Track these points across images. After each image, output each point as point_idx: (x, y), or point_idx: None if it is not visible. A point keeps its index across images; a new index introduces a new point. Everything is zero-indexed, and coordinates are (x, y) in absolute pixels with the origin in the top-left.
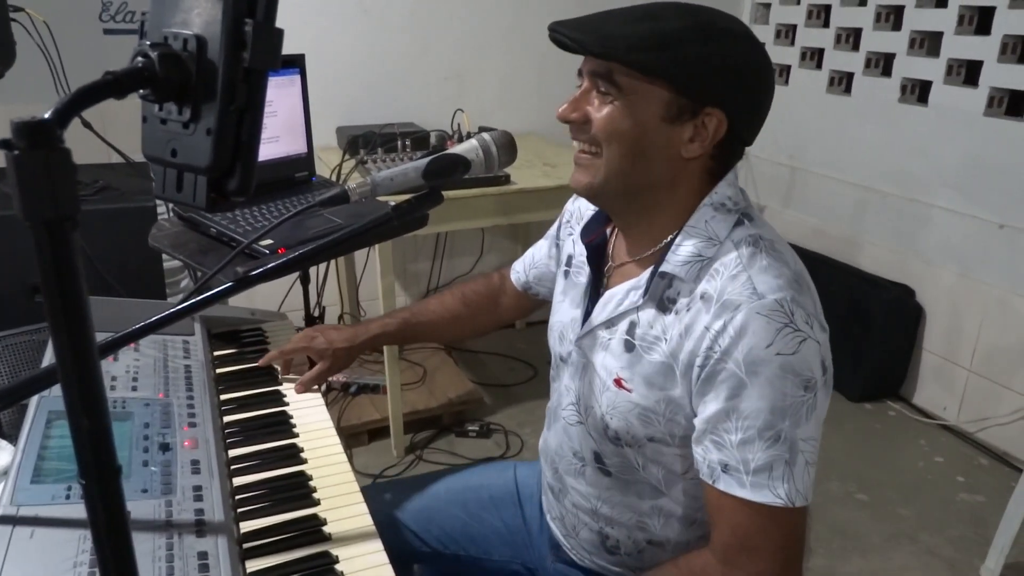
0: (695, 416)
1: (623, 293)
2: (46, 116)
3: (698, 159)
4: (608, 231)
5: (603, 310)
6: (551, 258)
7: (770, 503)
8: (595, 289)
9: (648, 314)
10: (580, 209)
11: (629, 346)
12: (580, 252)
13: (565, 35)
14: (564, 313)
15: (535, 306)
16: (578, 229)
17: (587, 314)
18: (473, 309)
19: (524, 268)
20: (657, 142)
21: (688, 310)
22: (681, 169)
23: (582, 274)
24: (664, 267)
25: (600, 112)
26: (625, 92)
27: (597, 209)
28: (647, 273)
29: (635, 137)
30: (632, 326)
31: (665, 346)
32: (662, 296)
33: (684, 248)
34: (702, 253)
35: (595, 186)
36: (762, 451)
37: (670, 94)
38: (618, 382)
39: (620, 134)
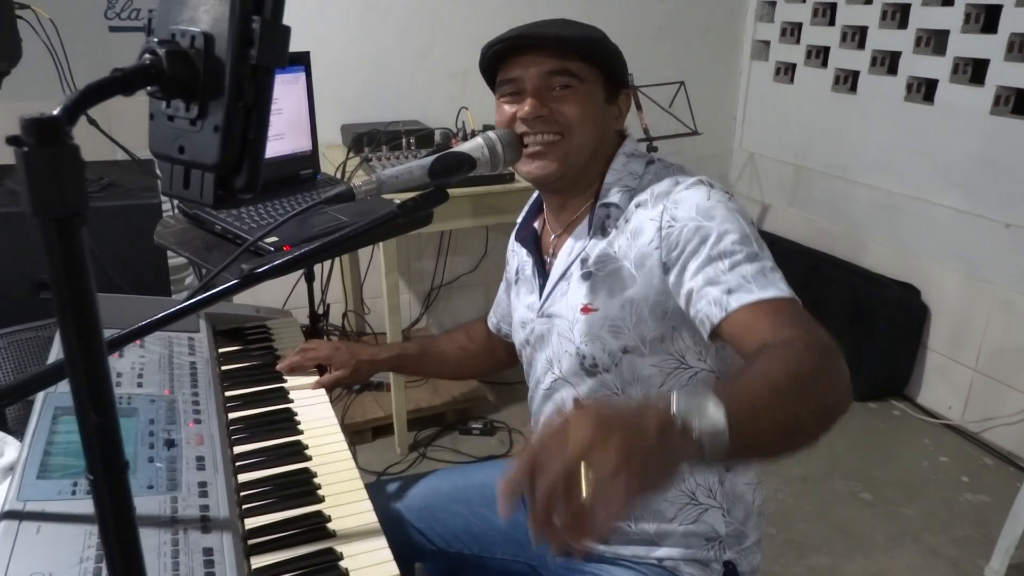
0: (679, 291)
1: (569, 245)
2: (55, 113)
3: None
4: (536, 225)
5: (556, 271)
6: (508, 294)
7: (780, 295)
8: (541, 268)
9: (596, 245)
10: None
11: (587, 275)
12: (522, 253)
13: (540, 36)
14: (520, 306)
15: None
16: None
17: (542, 289)
18: (478, 345)
19: (493, 311)
20: (606, 120)
21: (628, 221)
22: (612, 137)
23: (527, 267)
24: (601, 200)
25: (568, 103)
26: (583, 80)
27: (524, 215)
28: (586, 219)
29: (597, 115)
30: (583, 261)
31: (618, 254)
32: (603, 225)
33: (614, 184)
34: (628, 184)
35: (565, 169)
36: (750, 266)
37: (603, 81)
38: (584, 309)
39: (589, 115)
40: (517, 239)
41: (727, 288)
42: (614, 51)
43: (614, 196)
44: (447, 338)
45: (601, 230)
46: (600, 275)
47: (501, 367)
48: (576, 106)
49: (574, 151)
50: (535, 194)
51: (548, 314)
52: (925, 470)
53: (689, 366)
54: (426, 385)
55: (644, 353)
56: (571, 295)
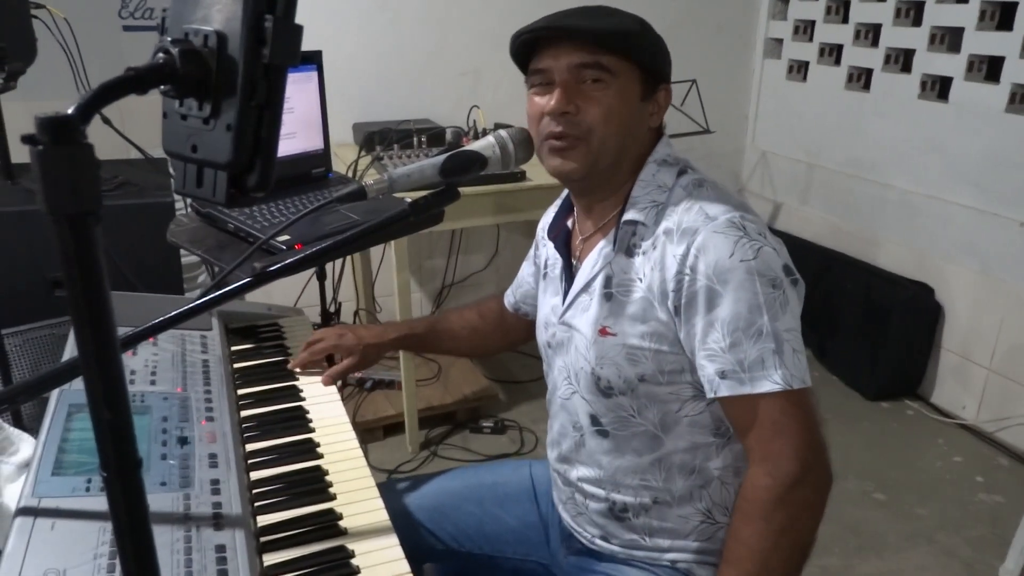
0: (686, 347)
1: (595, 256)
2: (69, 112)
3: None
4: (569, 223)
5: (580, 279)
6: (531, 275)
7: (771, 390)
8: (568, 271)
9: (620, 263)
10: (547, 220)
11: (608, 296)
12: (552, 249)
13: (563, 23)
14: (546, 305)
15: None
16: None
17: (566, 294)
18: (489, 324)
19: (512, 290)
20: (637, 118)
21: (655, 248)
22: (645, 137)
23: (556, 267)
24: (626, 216)
25: (592, 99)
26: (616, 75)
27: (557, 210)
28: (613, 230)
29: (628, 115)
30: (608, 279)
31: (641, 284)
32: (629, 244)
33: (640, 198)
34: (656, 199)
35: (586, 167)
36: (751, 347)
37: (641, 76)
38: (603, 331)
39: (617, 114)
40: (549, 236)
41: (720, 369)
42: (653, 43)
43: (640, 213)
44: (457, 315)
45: (626, 249)
46: (622, 299)
47: (512, 346)
48: (604, 104)
49: (596, 150)
50: (565, 191)
51: (568, 324)
52: (939, 470)
53: (706, 396)
54: (437, 383)
55: (661, 382)
56: (591, 312)
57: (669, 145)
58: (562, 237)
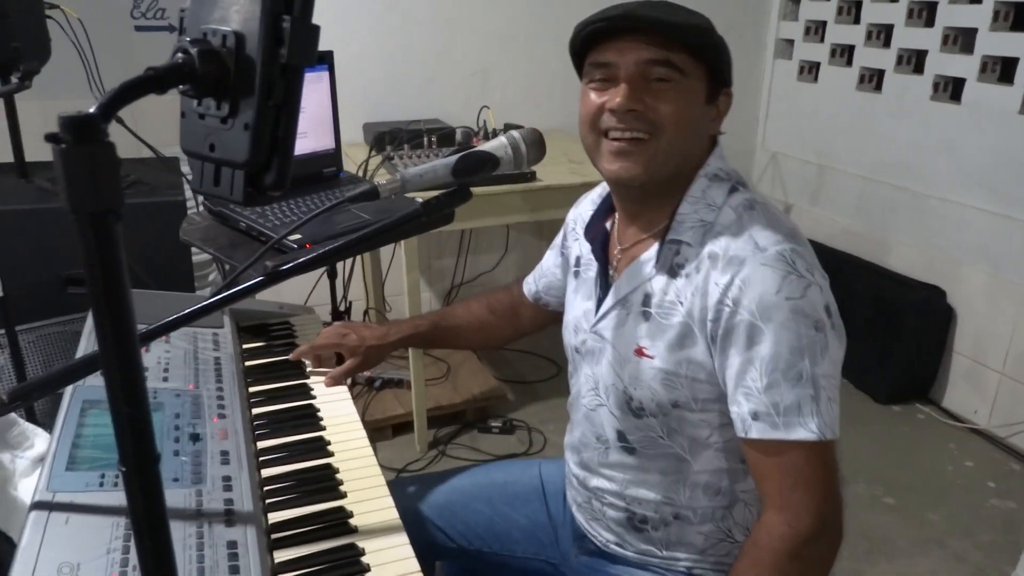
0: (720, 377)
1: (634, 271)
2: (91, 111)
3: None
4: (608, 225)
5: (617, 292)
6: (558, 267)
7: (804, 439)
8: (604, 279)
9: (660, 282)
10: (582, 214)
11: (646, 315)
12: (587, 250)
13: (643, 19)
14: (577, 307)
15: (551, 319)
16: (580, 232)
17: (600, 302)
18: (497, 318)
19: (534, 279)
20: (702, 122)
21: (698, 271)
22: (706, 144)
23: (591, 269)
24: (671, 235)
25: (663, 98)
26: (685, 74)
27: (596, 208)
28: (655, 246)
29: (695, 117)
30: (647, 297)
31: (682, 308)
32: (672, 263)
33: (687, 216)
34: (704, 218)
35: (651, 172)
36: (788, 391)
37: (706, 77)
38: (639, 351)
39: (686, 116)
40: (586, 236)
41: (754, 410)
42: (721, 44)
43: (686, 232)
44: (464, 309)
45: (668, 268)
46: (661, 321)
47: (522, 336)
48: (673, 104)
49: (662, 154)
50: (603, 188)
51: (601, 335)
52: (950, 475)
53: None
54: (446, 383)
55: (694, 409)
56: (628, 329)
57: (722, 158)
58: (600, 239)
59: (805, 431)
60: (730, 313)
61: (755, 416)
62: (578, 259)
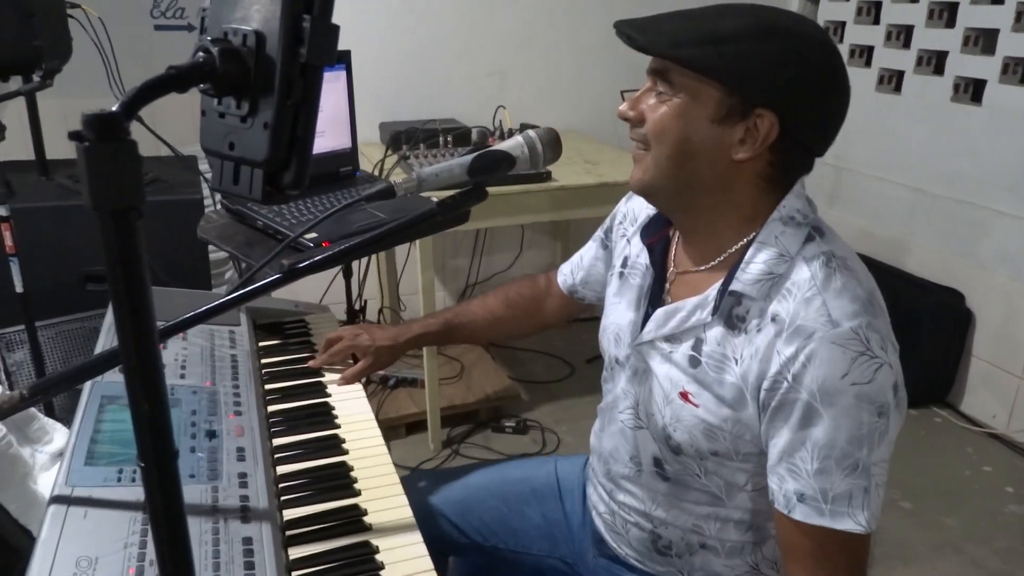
0: (764, 441)
1: (689, 308)
2: (114, 109)
3: (751, 162)
4: (671, 233)
5: (666, 322)
6: (599, 260)
7: (851, 530)
8: (655, 293)
9: (716, 332)
10: (634, 210)
11: (695, 361)
12: (638, 253)
13: (624, 30)
14: (620, 315)
15: (579, 311)
16: (632, 230)
17: (647, 317)
18: (516, 311)
19: (571, 270)
20: (705, 143)
21: (759, 331)
22: (733, 172)
23: (640, 276)
24: (734, 285)
25: (654, 111)
26: (679, 90)
27: (657, 213)
28: (714, 289)
29: (682, 137)
30: (699, 342)
31: (737, 368)
32: (731, 314)
33: (754, 265)
34: (773, 270)
35: (645, 183)
36: (840, 480)
37: (721, 93)
38: (684, 395)
39: (667, 133)
40: (643, 239)
41: (800, 492)
42: (744, 56)
43: (752, 285)
44: (480, 305)
45: (727, 319)
46: (711, 373)
47: (543, 328)
48: (656, 118)
49: (656, 168)
50: None
51: (644, 358)
52: (967, 479)
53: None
54: (460, 382)
55: (734, 459)
56: (674, 367)
57: (800, 197)
58: (660, 248)
59: (852, 523)
60: (788, 388)
61: (801, 498)
62: (625, 259)
